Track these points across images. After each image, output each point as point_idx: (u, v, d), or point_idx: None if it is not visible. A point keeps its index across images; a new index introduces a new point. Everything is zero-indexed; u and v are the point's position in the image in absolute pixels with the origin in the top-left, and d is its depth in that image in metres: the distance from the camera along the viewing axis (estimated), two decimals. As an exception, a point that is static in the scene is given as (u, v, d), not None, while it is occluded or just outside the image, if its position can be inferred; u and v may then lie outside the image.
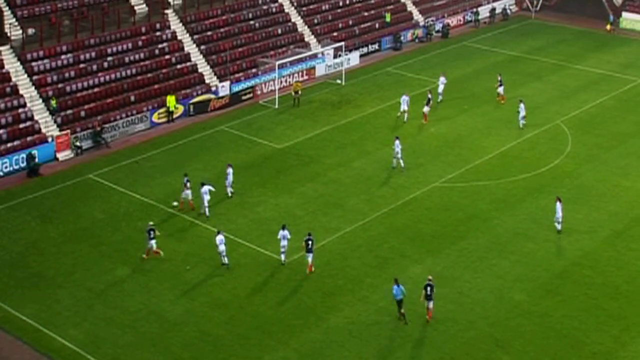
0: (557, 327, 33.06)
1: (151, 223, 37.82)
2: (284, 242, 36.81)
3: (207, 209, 40.61)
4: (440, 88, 55.75)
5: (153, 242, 37.02)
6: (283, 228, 36.96)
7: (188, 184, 41.48)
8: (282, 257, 37.08)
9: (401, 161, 45.62)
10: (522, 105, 51.70)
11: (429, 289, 33.15)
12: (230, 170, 42.73)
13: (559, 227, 39.70)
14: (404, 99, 52.01)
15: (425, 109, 52.15)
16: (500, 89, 55.37)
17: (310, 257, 36.36)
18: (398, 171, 45.53)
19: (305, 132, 50.95)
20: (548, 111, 54.73)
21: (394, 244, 38.89)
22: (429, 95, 52.86)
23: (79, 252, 37.99)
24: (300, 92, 55.43)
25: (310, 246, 36.17)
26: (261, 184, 44.48)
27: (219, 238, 36.53)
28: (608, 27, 73.18)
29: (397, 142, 45.68)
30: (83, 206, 42.05)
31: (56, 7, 53.67)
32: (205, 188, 40.43)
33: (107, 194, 43.32)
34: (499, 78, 55.77)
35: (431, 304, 33.22)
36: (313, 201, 42.73)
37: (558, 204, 39.60)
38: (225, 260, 36.77)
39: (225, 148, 48.96)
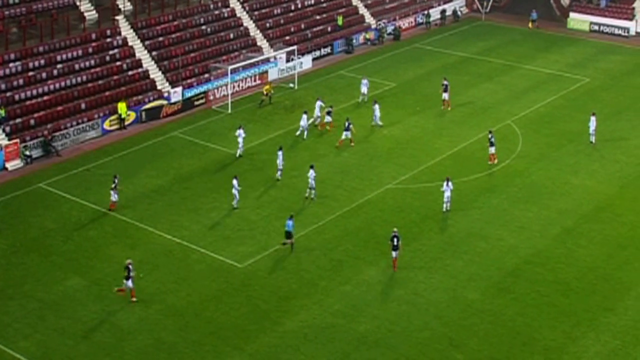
0: (509, 325, 33.47)
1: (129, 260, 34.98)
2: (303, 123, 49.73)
3: None
4: (364, 89, 56.00)
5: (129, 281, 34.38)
6: (305, 112, 49.94)
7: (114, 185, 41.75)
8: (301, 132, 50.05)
9: (313, 191, 42.97)
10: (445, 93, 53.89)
11: (395, 240, 36.50)
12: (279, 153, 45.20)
13: (448, 206, 41.83)
14: (319, 104, 52.10)
15: (327, 119, 51.27)
16: (445, 95, 55.13)
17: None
18: (336, 185, 44.69)
19: (258, 136, 50.87)
20: (499, 111, 55.36)
21: (348, 247, 39.02)
22: (329, 109, 51.72)
23: (29, 262, 37.47)
24: (268, 94, 55.88)
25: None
26: (215, 190, 44.32)
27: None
28: (530, 24, 74.63)
29: (311, 171, 42.79)
30: (33, 216, 41.49)
31: (3, 14, 52.90)
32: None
33: (57, 203, 42.79)
34: (445, 82, 55.31)
35: (395, 254, 36.58)
36: (267, 205, 42.69)
37: (445, 184, 41.59)
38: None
39: (178, 154, 48.69)
